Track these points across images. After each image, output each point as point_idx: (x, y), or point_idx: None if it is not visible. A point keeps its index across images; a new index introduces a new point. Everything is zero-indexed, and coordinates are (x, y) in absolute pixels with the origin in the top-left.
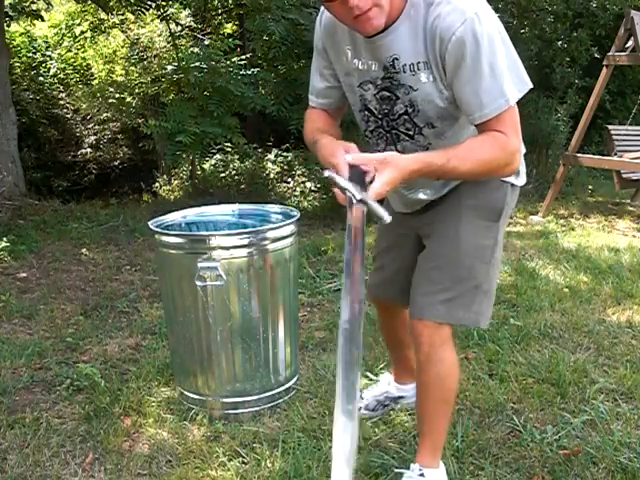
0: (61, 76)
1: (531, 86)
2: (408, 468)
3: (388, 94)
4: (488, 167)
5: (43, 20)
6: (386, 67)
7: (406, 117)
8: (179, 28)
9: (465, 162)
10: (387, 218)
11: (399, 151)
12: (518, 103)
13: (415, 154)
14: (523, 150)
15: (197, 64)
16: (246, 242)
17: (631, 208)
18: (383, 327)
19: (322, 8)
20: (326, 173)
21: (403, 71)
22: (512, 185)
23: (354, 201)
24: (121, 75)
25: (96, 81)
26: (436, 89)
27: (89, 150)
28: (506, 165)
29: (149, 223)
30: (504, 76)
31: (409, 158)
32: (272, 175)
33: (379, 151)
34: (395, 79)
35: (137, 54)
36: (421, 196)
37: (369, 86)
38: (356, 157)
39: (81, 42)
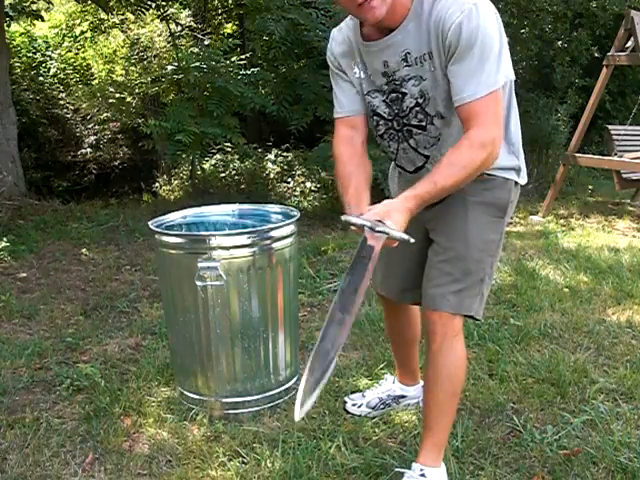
0: (61, 76)
1: (512, 78)
2: (409, 468)
3: (395, 95)
4: (473, 169)
5: (43, 20)
6: (389, 72)
7: (418, 109)
8: (179, 28)
9: (450, 177)
10: (412, 239)
11: (412, 147)
12: (518, 103)
13: (404, 195)
14: (517, 143)
15: (197, 64)
16: (246, 242)
17: (631, 208)
18: (389, 326)
19: (332, 30)
20: (343, 217)
21: (415, 64)
22: (516, 183)
23: (376, 229)
24: (121, 75)
25: (96, 81)
26: (437, 78)
27: (89, 150)
28: (489, 157)
29: (149, 223)
30: (489, 66)
31: (402, 201)
32: (272, 175)
33: (391, 152)
34: (397, 78)
35: (137, 54)
36: None
37: (376, 94)
38: (356, 219)
39: (81, 42)
